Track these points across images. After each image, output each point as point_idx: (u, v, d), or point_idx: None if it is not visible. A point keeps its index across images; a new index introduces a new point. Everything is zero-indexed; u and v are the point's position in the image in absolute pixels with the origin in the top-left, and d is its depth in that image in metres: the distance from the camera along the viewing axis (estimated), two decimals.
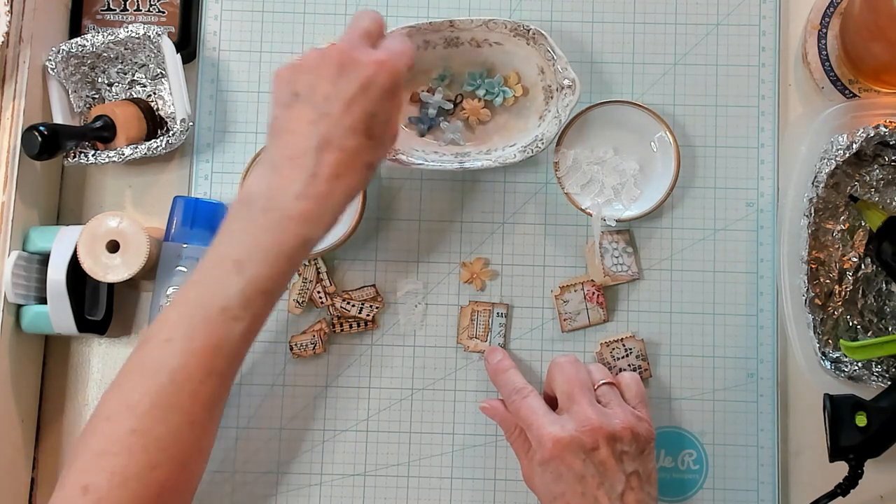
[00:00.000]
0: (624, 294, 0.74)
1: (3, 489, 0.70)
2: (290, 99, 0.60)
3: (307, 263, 0.73)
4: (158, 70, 0.75)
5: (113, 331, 0.74)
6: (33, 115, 0.71)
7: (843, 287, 0.72)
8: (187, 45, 0.75)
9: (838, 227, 0.73)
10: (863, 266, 0.72)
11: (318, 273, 0.73)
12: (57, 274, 0.68)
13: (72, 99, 0.74)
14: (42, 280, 0.70)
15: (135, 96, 0.75)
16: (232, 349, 0.58)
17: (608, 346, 0.72)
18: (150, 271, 0.72)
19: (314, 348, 0.73)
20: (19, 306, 0.70)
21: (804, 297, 0.68)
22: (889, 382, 0.69)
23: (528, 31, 0.71)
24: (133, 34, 0.72)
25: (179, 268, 0.70)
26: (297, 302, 0.73)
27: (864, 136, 0.68)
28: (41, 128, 0.67)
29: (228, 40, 0.76)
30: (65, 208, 0.76)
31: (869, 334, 0.72)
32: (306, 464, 0.72)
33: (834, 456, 0.66)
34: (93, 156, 0.72)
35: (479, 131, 0.75)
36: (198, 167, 0.75)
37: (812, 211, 0.69)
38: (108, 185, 0.76)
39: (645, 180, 0.73)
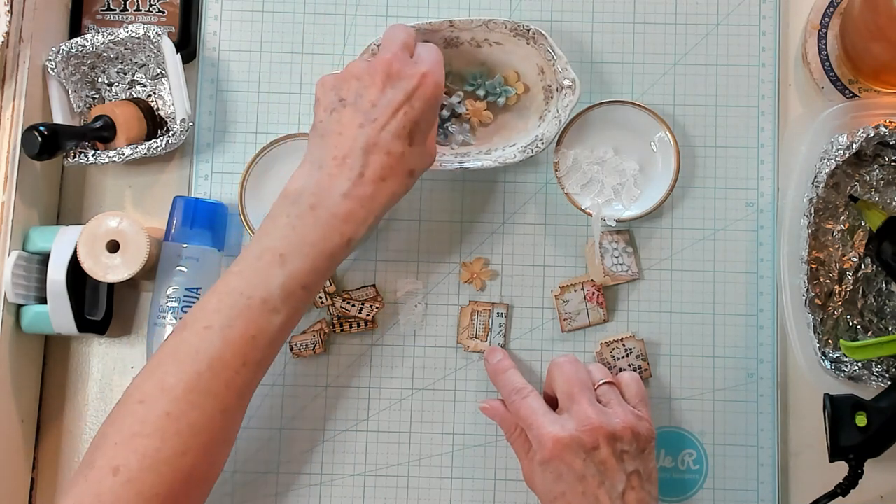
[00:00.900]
0: (624, 294, 0.74)
1: (3, 489, 0.70)
2: (337, 104, 0.62)
3: None
4: (158, 70, 0.75)
5: (113, 331, 0.74)
6: (33, 115, 0.71)
7: (843, 287, 0.72)
8: (187, 45, 0.75)
9: (838, 227, 0.73)
10: (863, 266, 0.72)
11: None
12: (57, 274, 0.68)
13: (72, 99, 0.74)
14: (42, 280, 0.70)
15: (135, 96, 0.75)
16: (268, 340, 0.59)
17: (608, 346, 0.72)
18: (150, 271, 0.72)
19: (314, 348, 0.73)
20: (19, 306, 0.70)
21: (804, 297, 0.68)
22: (889, 382, 0.69)
23: (528, 31, 0.71)
24: (133, 34, 0.72)
25: (179, 268, 0.70)
26: None
27: (864, 136, 0.68)
28: (41, 128, 0.67)
29: (228, 40, 0.76)
30: (65, 208, 0.76)
31: (869, 334, 0.72)
32: (306, 464, 0.72)
33: (834, 456, 0.66)
34: (93, 156, 0.72)
35: (479, 132, 0.75)
36: (198, 167, 0.75)
37: (812, 211, 0.69)
38: (108, 185, 0.76)
39: (645, 180, 0.73)
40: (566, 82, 0.70)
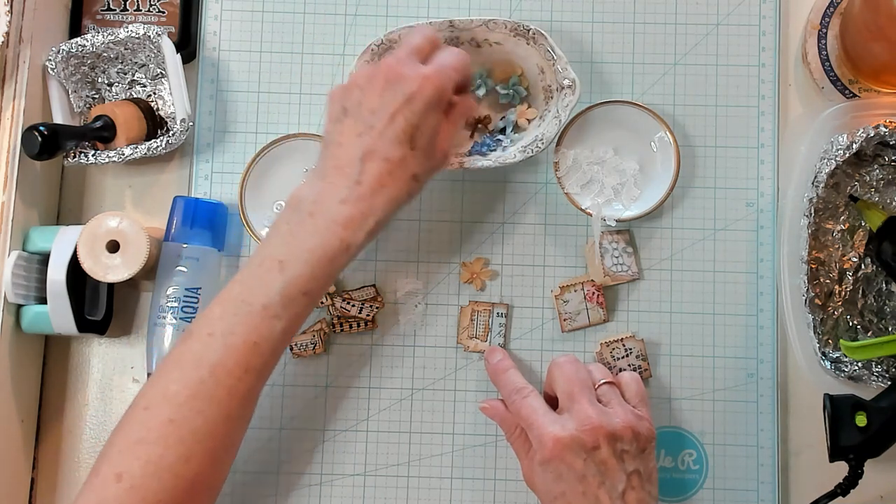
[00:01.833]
0: (624, 294, 0.74)
1: (3, 489, 0.70)
2: (340, 114, 0.63)
3: None
4: (158, 70, 0.75)
5: (113, 331, 0.74)
6: (33, 115, 0.71)
7: (843, 287, 0.72)
8: (187, 45, 0.75)
9: (838, 227, 0.73)
10: (863, 266, 0.72)
11: None
12: (57, 274, 0.68)
13: (72, 99, 0.74)
14: (42, 280, 0.70)
15: (135, 96, 0.75)
16: (270, 347, 0.60)
17: (608, 346, 0.72)
18: (150, 271, 0.72)
19: (314, 348, 0.73)
20: (19, 306, 0.70)
21: (804, 297, 0.68)
22: (889, 382, 0.69)
23: (528, 31, 0.71)
24: (133, 34, 0.72)
25: (179, 268, 0.70)
26: None
27: (864, 136, 0.68)
28: (41, 128, 0.67)
29: (228, 40, 0.76)
30: (65, 208, 0.76)
31: (869, 334, 0.72)
32: (306, 464, 0.72)
33: (834, 456, 0.66)
34: (93, 156, 0.72)
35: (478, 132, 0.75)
36: (198, 167, 0.75)
37: (812, 211, 0.69)
38: (108, 185, 0.76)
39: (645, 180, 0.73)
40: (566, 82, 0.70)
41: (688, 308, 0.73)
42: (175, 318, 0.70)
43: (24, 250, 0.70)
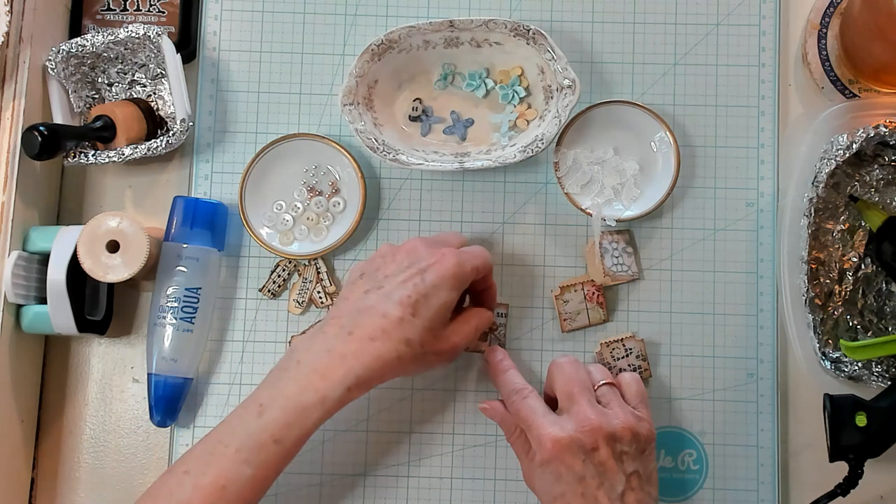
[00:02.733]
0: (624, 294, 0.74)
1: (3, 489, 0.70)
2: (356, 277, 0.66)
3: (307, 263, 0.73)
4: (158, 70, 0.75)
5: (113, 331, 0.74)
6: (33, 115, 0.71)
7: (843, 287, 0.72)
8: (187, 45, 0.75)
9: (838, 227, 0.73)
10: (863, 266, 0.72)
11: (318, 273, 0.73)
12: (57, 274, 0.68)
13: (72, 99, 0.74)
14: (42, 280, 0.70)
15: (135, 96, 0.75)
16: (238, 493, 0.59)
17: (608, 346, 0.72)
18: (150, 271, 0.72)
19: None
20: (19, 306, 0.70)
21: (804, 297, 0.68)
22: (889, 382, 0.69)
23: (528, 31, 0.71)
24: (133, 34, 0.72)
25: (179, 268, 0.70)
26: (297, 302, 0.73)
27: (864, 136, 0.68)
28: (41, 128, 0.67)
29: (228, 40, 0.76)
30: (65, 208, 0.76)
31: (869, 334, 0.72)
32: (306, 464, 0.72)
33: (834, 456, 0.66)
34: (93, 156, 0.72)
35: (477, 131, 0.75)
36: (198, 167, 0.75)
37: (812, 211, 0.69)
38: (108, 185, 0.76)
39: (645, 180, 0.73)
40: (566, 82, 0.70)
41: (688, 308, 0.73)
42: (175, 318, 0.70)
43: (24, 250, 0.70)
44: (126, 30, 0.72)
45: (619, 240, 0.73)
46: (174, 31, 0.76)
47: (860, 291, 0.72)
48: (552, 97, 0.72)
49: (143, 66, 0.75)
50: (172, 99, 0.73)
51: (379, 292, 0.62)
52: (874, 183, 0.72)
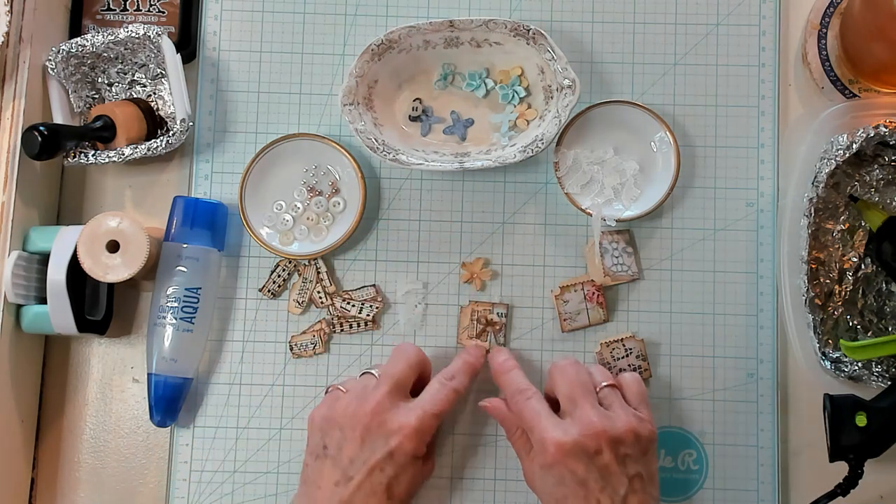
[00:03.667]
0: (624, 294, 0.74)
1: (3, 489, 0.70)
2: (321, 452, 0.65)
3: (307, 263, 0.73)
4: (158, 70, 0.75)
5: (113, 331, 0.74)
6: (33, 115, 0.71)
7: (843, 287, 0.72)
8: (187, 45, 0.75)
9: (838, 227, 0.73)
10: (863, 266, 0.72)
11: (318, 273, 0.73)
12: (57, 274, 0.68)
13: (72, 99, 0.74)
14: (42, 280, 0.70)
15: (135, 96, 0.75)
16: None
17: (608, 346, 0.72)
18: (150, 271, 0.72)
19: (314, 348, 0.73)
20: (19, 306, 0.70)
21: (804, 297, 0.68)
22: (889, 382, 0.69)
23: (528, 31, 0.71)
24: (133, 34, 0.72)
25: (179, 268, 0.70)
26: (297, 302, 0.73)
27: (864, 136, 0.68)
28: (41, 128, 0.67)
29: (228, 40, 0.76)
30: (65, 208, 0.76)
31: (869, 334, 0.72)
32: None
33: (834, 456, 0.66)
34: (93, 156, 0.72)
35: (477, 131, 0.75)
36: (198, 167, 0.75)
37: (812, 211, 0.69)
38: (108, 185, 0.76)
39: (645, 180, 0.73)
40: (566, 82, 0.70)
41: (688, 308, 0.73)
42: (175, 318, 0.70)
43: (24, 250, 0.70)
44: (126, 30, 0.72)
45: (619, 240, 0.73)
46: (174, 31, 0.76)
47: (860, 291, 0.72)
48: (552, 97, 0.72)
49: (143, 66, 0.75)
50: (172, 99, 0.73)
51: (350, 486, 0.62)
52: (874, 183, 0.72)
